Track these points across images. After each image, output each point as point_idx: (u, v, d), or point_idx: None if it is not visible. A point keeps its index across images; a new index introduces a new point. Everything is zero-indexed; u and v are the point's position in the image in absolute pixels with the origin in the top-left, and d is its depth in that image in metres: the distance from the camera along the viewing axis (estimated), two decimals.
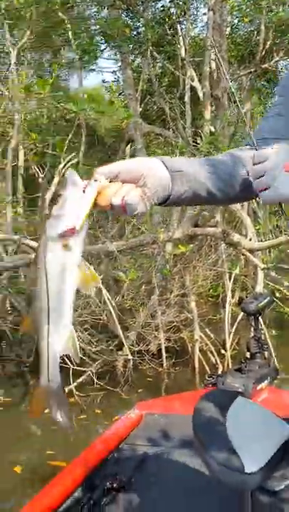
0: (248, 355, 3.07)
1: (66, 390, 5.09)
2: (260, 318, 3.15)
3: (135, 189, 1.00)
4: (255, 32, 8.36)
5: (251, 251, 5.61)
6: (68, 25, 7.54)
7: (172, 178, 1.03)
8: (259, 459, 1.42)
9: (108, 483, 2.17)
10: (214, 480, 1.45)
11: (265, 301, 3.06)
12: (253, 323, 3.10)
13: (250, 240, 6.04)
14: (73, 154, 4.30)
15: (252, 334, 3.10)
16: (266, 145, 1.07)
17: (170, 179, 1.03)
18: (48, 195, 4.10)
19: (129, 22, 7.60)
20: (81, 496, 2.10)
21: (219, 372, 5.70)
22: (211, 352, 6.03)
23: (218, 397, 1.69)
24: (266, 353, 3.19)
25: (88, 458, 2.36)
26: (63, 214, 0.99)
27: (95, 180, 1.00)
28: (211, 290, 6.88)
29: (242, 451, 1.44)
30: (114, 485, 2.16)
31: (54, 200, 1.04)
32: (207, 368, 5.89)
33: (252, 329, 3.12)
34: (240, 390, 2.76)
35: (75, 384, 5.12)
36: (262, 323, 5.92)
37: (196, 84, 7.89)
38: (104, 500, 2.10)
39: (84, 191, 1.00)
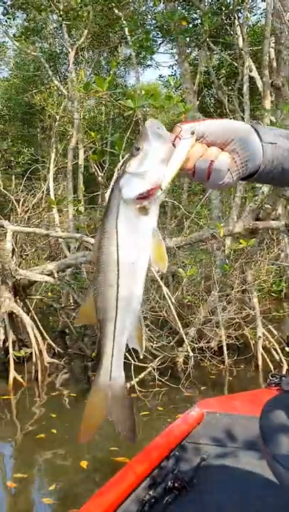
0: None
1: (128, 385, 5.15)
2: None
3: (225, 154, 0.85)
4: None
5: None
6: (124, 22, 7.56)
7: (264, 149, 0.89)
8: None
9: (170, 482, 2.14)
10: (284, 490, 1.37)
11: None
12: None
13: None
14: None
15: None
16: None
17: (262, 150, 0.88)
18: (107, 194, 4.12)
19: (185, 14, 7.49)
20: (143, 494, 2.09)
21: (284, 371, 5.54)
22: (275, 349, 5.87)
23: (286, 401, 1.62)
24: None
25: (150, 455, 2.35)
26: (146, 171, 0.84)
27: (185, 135, 0.84)
28: (273, 285, 6.70)
29: None
30: (176, 484, 2.13)
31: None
32: (271, 366, 5.74)
33: None
34: None
35: (136, 379, 5.14)
36: None
37: (254, 74, 7.68)
38: (166, 499, 2.08)
39: (174, 145, 0.84)
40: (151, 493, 2.08)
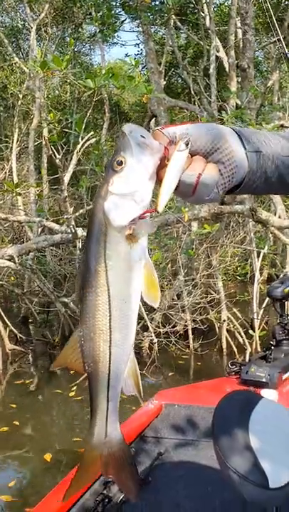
0: (273, 342, 2.94)
1: None
2: (286, 303, 3.00)
3: (212, 166, 0.75)
4: None
5: (280, 229, 5.39)
6: None
7: (249, 159, 0.79)
8: (286, 472, 1.28)
9: None
10: (236, 493, 1.33)
11: None
12: (278, 309, 2.96)
13: (279, 217, 5.82)
14: (92, 133, 4.15)
15: (278, 320, 2.97)
16: None
17: (246, 160, 0.79)
18: (67, 177, 3.98)
19: None
20: (97, 493, 2.02)
21: (247, 353, 5.58)
22: (239, 333, 5.90)
23: (241, 399, 1.56)
24: None
25: None
26: (135, 191, 0.71)
27: (180, 147, 0.72)
28: (238, 269, 6.71)
29: (267, 462, 1.30)
30: None
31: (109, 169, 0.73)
32: (235, 349, 5.77)
33: (278, 315, 2.99)
34: (264, 379, 2.64)
35: None
36: None
37: (221, 54, 7.58)
38: (120, 498, 2.02)
39: (166, 158, 0.72)
40: (105, 492, 2.02)
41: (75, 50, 11.70)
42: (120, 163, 0.72)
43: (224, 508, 1.99)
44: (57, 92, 12.12)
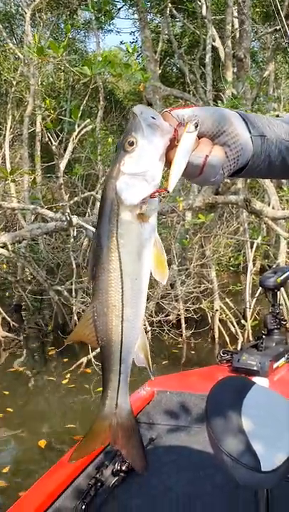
0: (264, 331, 2.98)
1: (85, 359, 5.11)
2: (278, 293, 3.04)
3: (219, 148, 0.76)
4: None
5: (274, 220, 5.42)
6: None
7: (253, 143, 0.81)
8: (277, 456, 1.30)
9: (117, 464, 2.10)
10: (228, 477, 1.35)
11: (285, 275, 2.93)
12: (270, 299, 2.99)
13: (273, 208, 5.85)
14: (88, 120, 4.13)
15: (270, 310, 3.00)
16: None
17: (251, 144, 0.80)
18: (63, 164, 3.97)
19: None
20: (89, 477, 2.05)
21: (239, 343, 5.63)
22: (231, 322, 5.95)
23: (234, 384, 1.58)
24: (284, 329, 3.09)
25: None
26: (146, 170, 0.73)
27: (190, 129, 0.74)
28: (231, 259, 6.74)
29: (259, 445, 1.32)
30: (123, 467, 2.09)
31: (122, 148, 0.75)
32: (227, 339, 5.82)
33: (270, 304, 3.02)
34: (255, 368, 2.68)
35: (94, 353, 5.10)
36: (285, 296, 5.80)
37: (217, 44, 7.54)
38: (112, 482, 2.05)
39: (176, 139, 0.74)
40: (97, 476, 2.04)
41: (70, 36, 11.58)
42: (132, 144, 0.73)
43: (215, 492, 2.02)
44: (51, 79, 12.00)
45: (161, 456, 2.24)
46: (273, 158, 0.84)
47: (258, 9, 8.18)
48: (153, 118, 0.73)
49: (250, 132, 0.80)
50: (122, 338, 0.77)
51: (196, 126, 0.74)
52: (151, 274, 0.77)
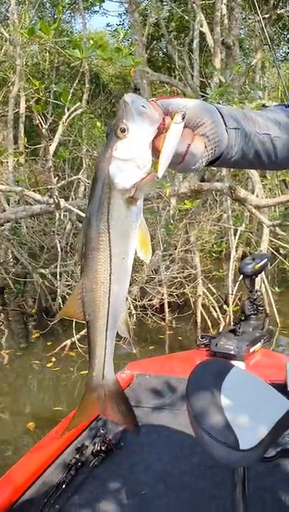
0: (242, 316, 3.06)
1: (69, 342, 5.15)
2: (256, 279, 3.11)
3: (200, 138, 0.82)
4: None
5: (258, 208, 5.50)
6: None
7: (229, 135, 0.87)
8: (254, 436, 1.35)
9: (97, 445, 2.15)
10: (208, 455, 1.40)
11: (263, 262, 3.00)
12: (248, 285, 3.07)
13: (257, 195, 5.92)
14: (78, 104, 4.12)
15: (247, 296, 3.07)
16: None
17: (226, 136, 0.87)
18: (52, 147, 3.95)
19: None
20: (69, 458, 2.10)
21: (221, 328, 5.74)
22: (214, 307, 6.06)
23: (215, 367, 1.64)
24: (261, 314, 3.17)
25: None
26: (137, 156, 0.77)
27: (178, 120, 0.79)
28: (215, 246, 6.83)
29: (238, 425, 1.36)
30: (103, 447, 2.15)
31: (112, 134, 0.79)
32: (209, 324, 5.92)
33: (248, 291, 3.09)
34: (232, 352, 2.76)
35: (78, 336, 5.15)
36: (266, 281, 5.90)
37: (205, 29, 7.52)
38: (92, 462, 2.11)
39: (164, 128, 0.78)
40: (77, 456, 2.10)
41: (55, 17, 11.37)
42: (123, 131, 0.77)
43: (193, 470, 2.09)
44: (35, 59, 11.79)
45: (141, 437, 2.30)
46: (246, 150, 0.91)
47: None
48: (143, 107, 0.77)
49: (226, 125, 0.86)
50: (108, 312, 0.82)
51: (183, 118, 0.79)
52: (135, 252, 0.83)
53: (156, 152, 0.79)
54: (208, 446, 1.38)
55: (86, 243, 0.80)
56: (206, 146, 0.83)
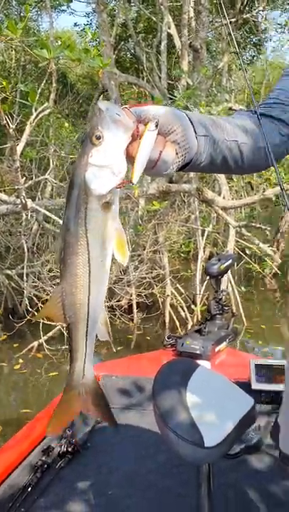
0: (208, 316, 3.10)
1: (37, 344, 5.10)
2: (221, 279, 3.17)
3: (171, 144, 0.85)
4: None
5: (224, 209, 5.58)
6: None
7: (198, 142, 0.90)
8: (219, 433, 1.39)
9: (63, 447, 2.16)
10: (173, 453, 1.43)
11: (228, 262, 3.05)
12: (214, 285, 3.11)
13: (224, 197, 6.02)
14: (46, 104, 4.09)
15: (213, 296, 3.12)
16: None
17: (196, 143, 0.89)
18: (20, 147, 3.92)
19: None
20: (35, 460, 2.09)
21: (189, 327, 5.79)
22: (182, 307, 6.11)
23: (180, 366, 1.67)
24: (227, 314, 3.23)
25: (43, 421, 2.31)
26: (112, 163, 0.79)
27: (151, 128, 0.81)
28: (183, 246, 6.89)
29: (203, 423, 1.39)
30: (69, 448, 2.15)
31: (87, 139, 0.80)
32: (177, 323, 5.98)
33: (214, 291, 3.14)
34: (198, 351, 2.79)
35: (45, 338, 5.11)
36: (232, 281, 5.99)
37: (173, 32, 7.58)
38: (58, 464, 2.11)
39: (138, 135, 0.80)
40: (44, 458, 2.09)
41: (21, 15, 11.24)
42: (99, 138, 0.79)
43: (159, 469, 2.12)
44: (1, 57, 11.62)
45: (107, 438, 2.31)
46: (215, 156, 0.95)
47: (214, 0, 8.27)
48: (118, 115, 0.79)
49: (195, 132, 0.89)
50: (88, 315, 0.84)
51: (157, 126, 0.81)
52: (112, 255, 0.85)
53: (130, 158, 0.81)
54: (174, 444, 1.40)
55: (64, 248, 0.82)
56: (177, 153, 0.85)
